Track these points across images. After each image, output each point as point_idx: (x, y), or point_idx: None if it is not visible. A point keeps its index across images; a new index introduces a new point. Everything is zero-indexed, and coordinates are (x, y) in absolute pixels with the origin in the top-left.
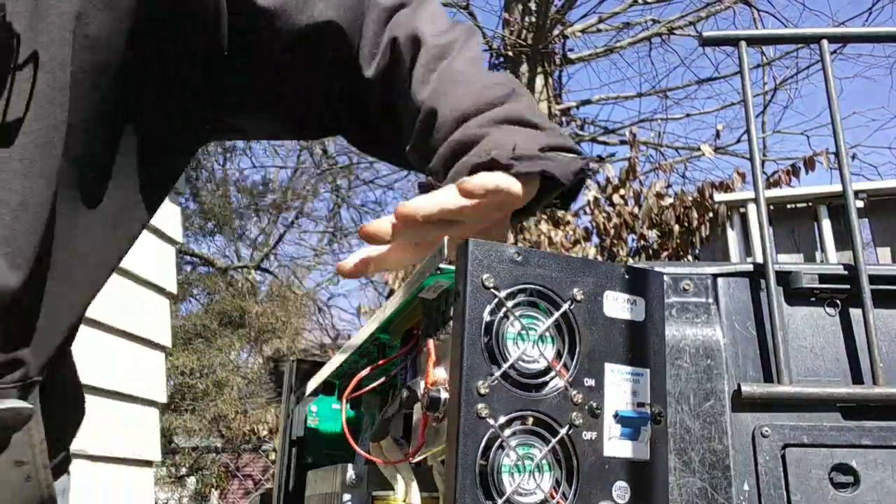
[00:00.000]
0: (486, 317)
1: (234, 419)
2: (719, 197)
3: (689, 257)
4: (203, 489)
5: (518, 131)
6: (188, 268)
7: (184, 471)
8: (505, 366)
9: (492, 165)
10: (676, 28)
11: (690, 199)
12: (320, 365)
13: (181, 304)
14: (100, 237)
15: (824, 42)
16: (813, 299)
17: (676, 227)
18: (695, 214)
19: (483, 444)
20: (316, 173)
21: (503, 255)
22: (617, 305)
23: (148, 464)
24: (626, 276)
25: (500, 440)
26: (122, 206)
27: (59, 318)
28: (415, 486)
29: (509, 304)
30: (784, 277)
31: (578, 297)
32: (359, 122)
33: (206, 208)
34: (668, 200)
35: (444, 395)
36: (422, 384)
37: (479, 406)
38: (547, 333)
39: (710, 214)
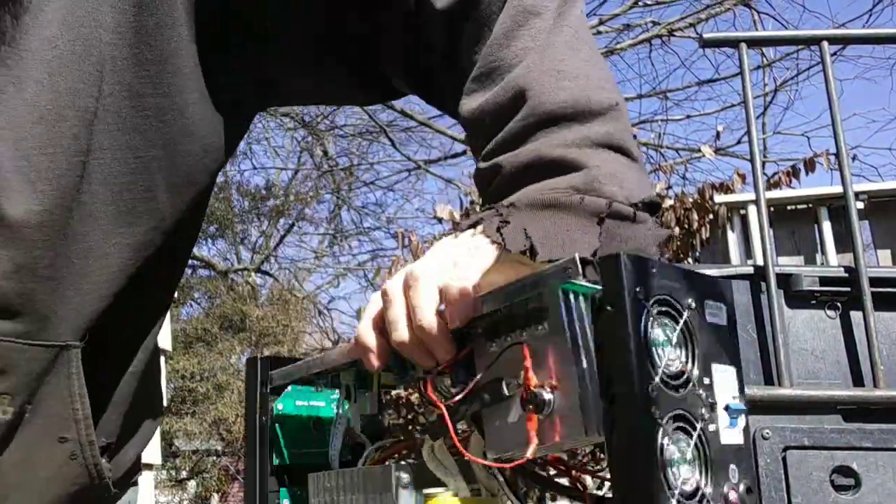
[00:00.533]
0: (641, 326)
1: (234, 422)
2: (719, 198)
3: (690, 259)
4: (204, 492)
5: (618, 165)
6: (188, 271)
7: (184, 474)
8: (660, 369)
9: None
10: (677, 30)
11: (691, 200)
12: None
13: (182, 307)
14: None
15: (824, 44)
16: (814, 302)
17: (677, 230)
18: (695, 216)
19: (659, 444)
20: (317, 175)
21: (645, 268)
22: (711, 312)
23: (148, 467)
24: (716, 286)
25: (667, 438)
26: (165, 146)
27: (95, 273)
28: (462, 480)
29: (654, 311)
30: (785, 280)
31: (693, 306)
32: (417, 70)
33: (208, 211)
34: (669, 202)
35: (547, 396)
36: (513, 384)
37: (653, 409)
38: (676, 338)
39: (711, 216)
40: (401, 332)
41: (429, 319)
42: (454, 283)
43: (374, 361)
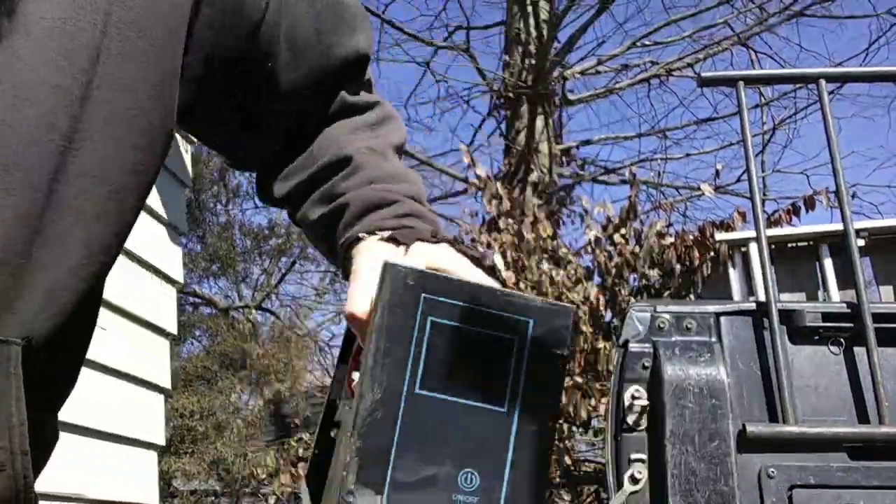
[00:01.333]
0: None
1: (233, 462)
2: (720, 236)
3: (692, 297)
4: None
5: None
6: (189, 308)
7: None
8: None
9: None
10: (675, 69)
11: (691, 238)
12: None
13: (182, 345)
14: (105, 151)
15: (822, 81)
16: (816, 338)
17: (678, 267)
18: (696, 254)
19: None
20: None
21: None
22: None
23: None
24: None
25: None
26: (148, 149)
27: (51, 269)
28: None
29: None
30: (787, 316)
31: None
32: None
33: (211, 250)
34: (669, 240)
35: None
36: None
37: None
38: None
39: (712, 254)
40: None
41: None
42: None
43: None
